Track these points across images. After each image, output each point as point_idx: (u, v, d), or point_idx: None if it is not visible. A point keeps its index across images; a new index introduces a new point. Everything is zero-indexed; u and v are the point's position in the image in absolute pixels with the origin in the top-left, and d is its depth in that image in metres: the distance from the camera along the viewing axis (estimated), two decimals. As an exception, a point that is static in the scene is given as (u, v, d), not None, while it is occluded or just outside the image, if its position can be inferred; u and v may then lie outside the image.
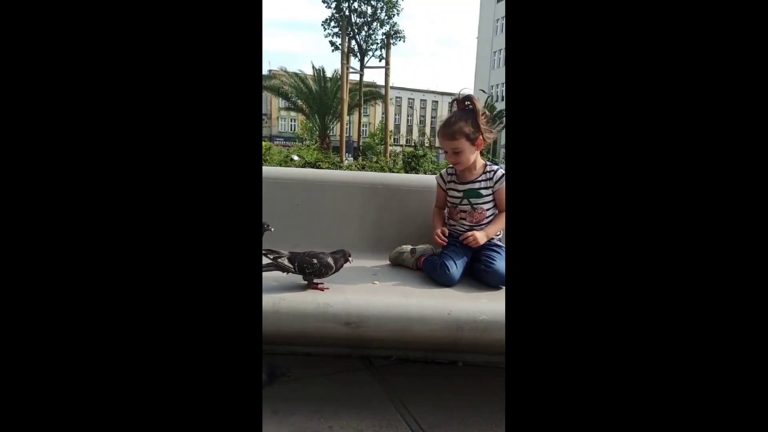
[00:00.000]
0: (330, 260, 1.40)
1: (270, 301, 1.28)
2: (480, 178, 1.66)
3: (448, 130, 1.59)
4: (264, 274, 1.40)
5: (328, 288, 1.38)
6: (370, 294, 1.36)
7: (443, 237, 1.59)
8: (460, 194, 1.68)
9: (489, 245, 1.60)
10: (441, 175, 1.75)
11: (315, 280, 1.40)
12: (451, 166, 1.70)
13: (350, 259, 1.43)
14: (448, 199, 1.72)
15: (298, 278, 1.41)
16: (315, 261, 1.37)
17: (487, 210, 1.65)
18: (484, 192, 1.65)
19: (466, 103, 1.61)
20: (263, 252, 1.39)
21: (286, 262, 1.38)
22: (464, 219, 1.68)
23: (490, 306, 1.27)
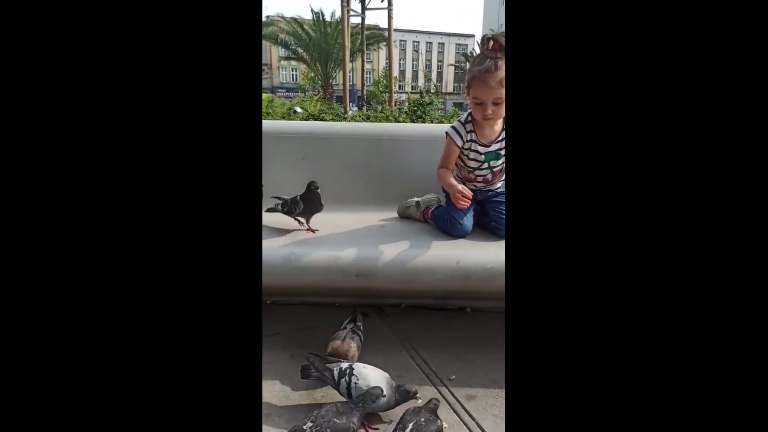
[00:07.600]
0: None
1: (280, 254, 1.32)
2: (502, 137, 1.39)
3: (493, 76, 1.24)
4: (269, 218, 1.39)
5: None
6: (379, 246, 1.37)
7: (467, 196, 1.34)
8: (482, 158, 1.42)
9: (496, 194, 1.50)
10: (456, 130, 1.40)
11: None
12: (464, 119, 1.41)
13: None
14: (467, 163, 1.45)
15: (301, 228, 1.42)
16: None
17: (503, 169, 1.46)
18: (503, 152, 1.41)
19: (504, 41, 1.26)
20: None
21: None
22: (480, 182, 1.49)
23: (496, 255, 1.30)
